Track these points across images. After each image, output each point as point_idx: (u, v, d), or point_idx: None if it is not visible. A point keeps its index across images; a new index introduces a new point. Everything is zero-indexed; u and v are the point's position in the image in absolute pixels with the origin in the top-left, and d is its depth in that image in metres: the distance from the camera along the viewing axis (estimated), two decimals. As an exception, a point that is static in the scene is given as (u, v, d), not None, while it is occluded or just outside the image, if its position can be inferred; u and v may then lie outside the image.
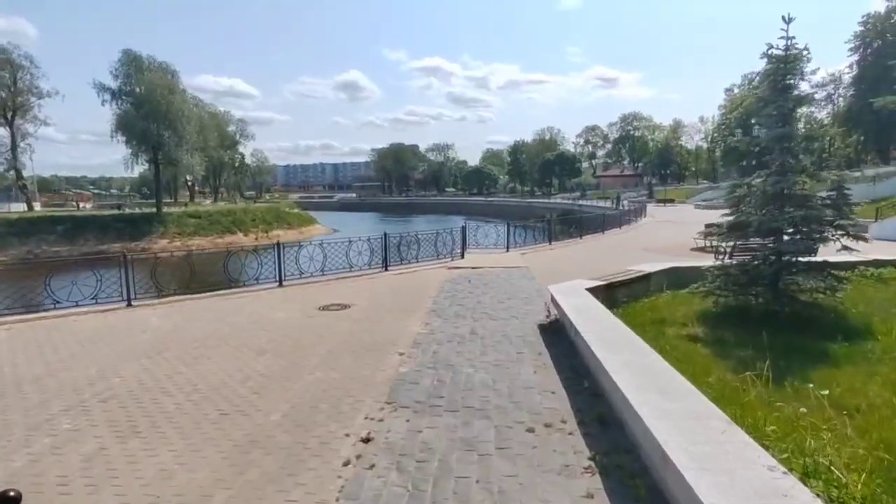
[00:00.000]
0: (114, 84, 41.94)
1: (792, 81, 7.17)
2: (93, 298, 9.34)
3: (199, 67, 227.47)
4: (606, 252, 17.54)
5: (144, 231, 38.82)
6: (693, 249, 17.65)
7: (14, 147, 48.20)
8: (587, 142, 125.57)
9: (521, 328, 7.74)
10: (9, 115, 47.19)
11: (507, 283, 11.49)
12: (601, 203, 53.42)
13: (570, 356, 6.33)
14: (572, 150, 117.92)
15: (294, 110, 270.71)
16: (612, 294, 8.30)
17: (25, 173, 53.52)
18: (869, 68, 61.39)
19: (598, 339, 5.23)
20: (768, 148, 7.48)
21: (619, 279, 8.84)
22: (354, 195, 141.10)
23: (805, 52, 6.89)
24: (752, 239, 7.78)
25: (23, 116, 48.26)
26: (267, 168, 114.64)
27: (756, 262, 7.48)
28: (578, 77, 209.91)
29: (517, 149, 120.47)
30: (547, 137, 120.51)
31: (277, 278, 11.61)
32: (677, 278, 9.90)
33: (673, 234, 24.27)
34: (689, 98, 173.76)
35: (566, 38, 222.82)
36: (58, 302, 9.13)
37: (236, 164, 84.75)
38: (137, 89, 41.41)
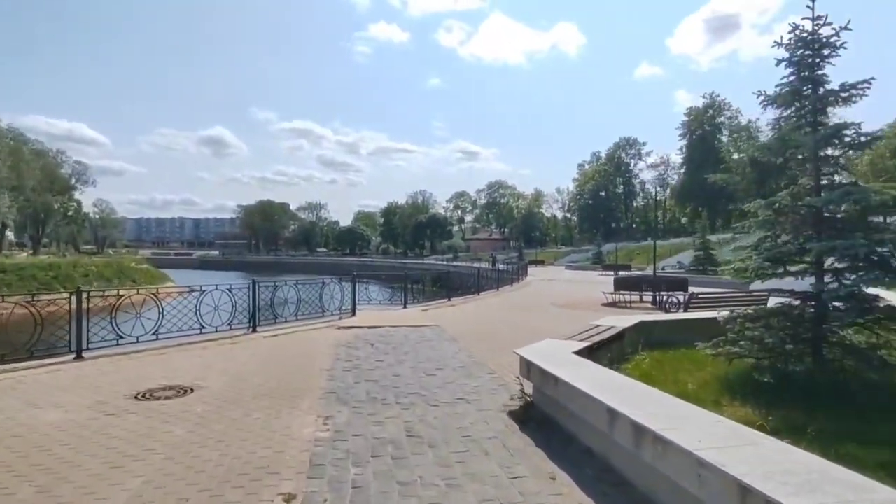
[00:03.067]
0: None
1: (821, 73, 5.64)
2: None
3: (28, 106, 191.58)
4: (516, 309, 15.40)
5: None
6: (605, 304, 16.33)
7: None
8: (456, 206, 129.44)
9: (484, 420, 4.77)
10: None
11: (424, 347, 8.48)
12: (476, 264, 52.92)
13: (611, 478, 3.51)
14: (443, 213, 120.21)
15: (150, 162, 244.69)
16: (596, 358, 5.82)
17: None
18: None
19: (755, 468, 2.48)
20: (791, 160, 5.82)
21: (598, 338, 6.41)
22: (217, 252, 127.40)
23: (835, 39, 5.42)
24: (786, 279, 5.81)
25: None
26: (113, 220, 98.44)
27: (800, 311, 5.43)
28: (443, 149, 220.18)
29: (390, 210, 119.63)
30: (419, 200, 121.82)
31: (73, 345, 7.31)
32: (646, 335, 7.78)
33: (569, 290, 23.31)
34: (539, 173, 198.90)
35: (431, 114, 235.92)
36: None
37: (69, 213, 70.93)
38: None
